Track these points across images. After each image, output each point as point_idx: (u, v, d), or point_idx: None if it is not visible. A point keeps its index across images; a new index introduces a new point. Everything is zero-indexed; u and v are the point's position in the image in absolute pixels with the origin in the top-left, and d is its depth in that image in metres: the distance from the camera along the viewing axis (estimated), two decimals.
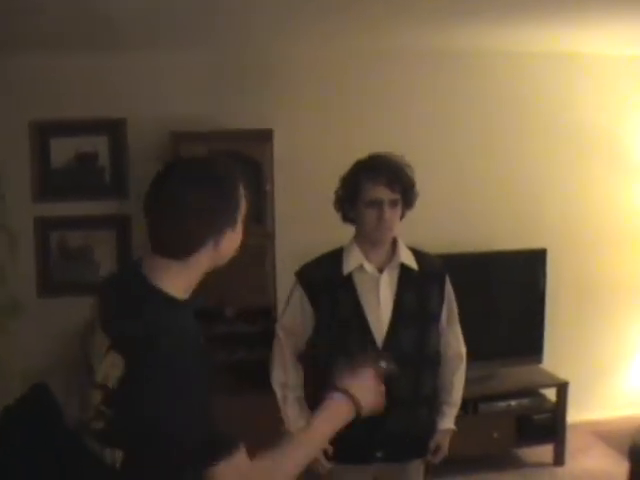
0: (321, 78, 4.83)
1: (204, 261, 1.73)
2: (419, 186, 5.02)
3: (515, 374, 4.95)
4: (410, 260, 2.75)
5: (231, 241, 1.75)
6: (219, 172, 1.74)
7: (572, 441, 4.93)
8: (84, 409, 1.75)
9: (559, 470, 4.81)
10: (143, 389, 1.56)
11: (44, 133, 4.60)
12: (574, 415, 4.97)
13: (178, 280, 1.70)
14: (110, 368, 1.61)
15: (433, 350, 2.78)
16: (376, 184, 2.60)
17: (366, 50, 4.78)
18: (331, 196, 2.86)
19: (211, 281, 4.62)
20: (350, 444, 2.65)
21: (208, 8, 3.67)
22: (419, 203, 4.92)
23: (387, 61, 4.89)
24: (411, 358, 2.67)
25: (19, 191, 4.59)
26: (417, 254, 2.81)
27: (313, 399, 2.78)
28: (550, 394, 4.92)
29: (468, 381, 4.66)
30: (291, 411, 2.75)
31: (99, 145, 4.65)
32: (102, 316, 1.72)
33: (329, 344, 2.70)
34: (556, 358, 5.04)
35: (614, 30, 4.45)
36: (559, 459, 4.85)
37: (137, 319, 1.62)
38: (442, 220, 5.02)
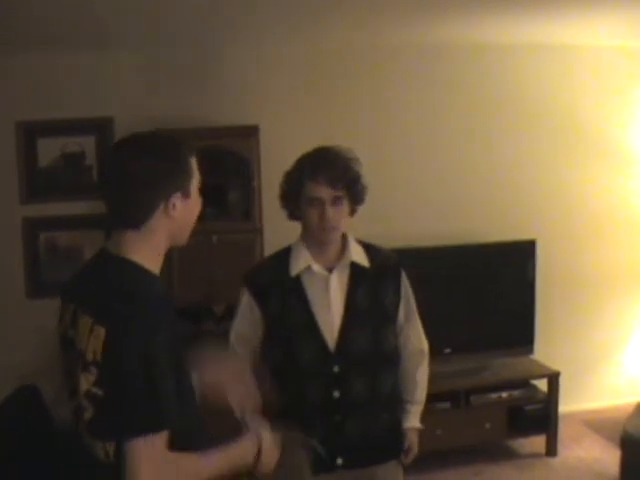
0: (306, 74, 4.85)
1: (160, 229, 1.78)
2: (408, 179, 5.07)
3: (506, 365, 4.96)
4: (361, 257, 2.61)
5: (184, 209, 1.80)
6: (164, 141, 1.82)
7: (564, 431, 4.95)
8: (73, 400, 1.77)
9: (552, 460, 4.82)
10: (122, 357, 1.62)
11: (31, 133, 4.59)
12: (566, 405, 4.99)
13: (143, 251, 1.78)
14: (95, 341, 1.65)
15: (390, 349, 2.63)
16: (316, 182, 2.45)
17: (352, 47, 4.81)
18: None
19: (200, 278, 4.61)
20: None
21: (194, 7, 3.68)
22: (409, 196, 4.98)
23: (374, 57, 4.91)
24: (366, 359, 2.55)
25: (6, 192, 4.59)
26: (369, 249, 2.67)
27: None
28: (542, 385, 4.92)
29: (460, 373, 4.74)
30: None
31: (86, 144, 4.64)
32: (81, 302, 1.76)
33: (280, 352, 2.56)
34: (547, 349, 5.05)
35: (606, 21, 4.47)
36: (552, 449, 4.86)
37: (115, 290, 1.70)
38: (432, 212, 5.05)
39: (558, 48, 5.13)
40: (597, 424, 5.24)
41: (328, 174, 2.45)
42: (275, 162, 4.70)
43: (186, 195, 1.79)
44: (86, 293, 1.78)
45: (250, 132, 4.39)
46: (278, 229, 4.64)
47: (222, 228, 4.31)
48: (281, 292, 2.55)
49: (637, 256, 5.47)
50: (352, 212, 2.58)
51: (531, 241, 4.93)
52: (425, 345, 2.78)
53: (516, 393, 4.81)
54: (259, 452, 1.87)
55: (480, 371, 4.86)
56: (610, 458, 4.54)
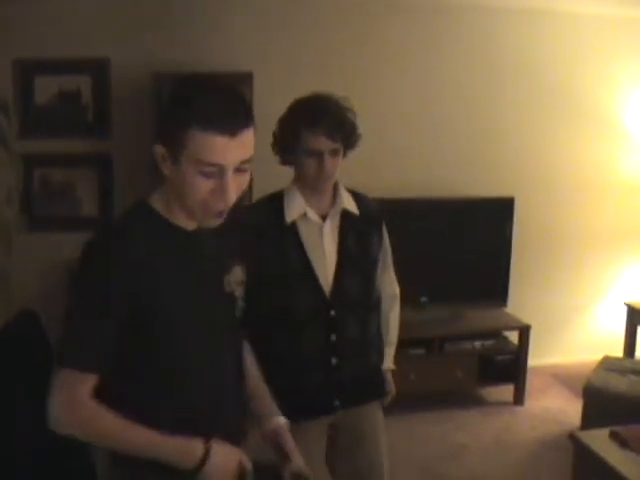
0: (303, 22, 4.89)
1: (169, 181, 1.79)
2: (394, 130, 5.12)
3: (480, 316, 5.13)
4: (351, 205, 2.67)
5: (173, 173, 1.73)
6: (186, 93, 1.75)
7: (532, 382, 5.15)
8: None
9: (519, 409, 5.03)
10: (77, 292, 1.75)
11: (28, 71, 4.61)
12: (535, 358, 5.19)
13: (160, 198, 1.84)
14: None
15: (377, 294, 2.78)
16: (315, 134, 2.45)
17: None
18: None
19: None
20: (309, 400, 2.63)
21: None
22: (391, 149, 5.04)
23: (367, 10, 4.94)
24: (358, 303, 2.67)
25: None
26: (357, 197, 2.73)
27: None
28: (513, 337, 5.12)
29: (435, 321, 4.92)
30: None
31: (82, 84, 4.68)
32: None
33: (276, 298, 2.60)
34: (520, 303, 5.22)
35: None
36: (519, 398, 5.07)
37: None
38: (413, 166, 5.14)
39: (544, 13, 5.18)
40: (564, 378, 5.45)
41: (327, 126, 2.45)
42: (268, 109, 4.80)
43: (174, 159, 1.70)
44: None
45: (244, 79, 4.42)
46: (268, 174, 4.77)
47: None
48: (276, 237, 2.58)
49: (612, 216, 5.62)
50: (343, 156, 2.60)
51: (510, 198, 5.06)
52: (397, 290, 2.92)
53: (488, 343, 4.99)
54: (203, 460, 1.76)
55: (454, 320, 5.04)
56: (574, 409, 4.74)
